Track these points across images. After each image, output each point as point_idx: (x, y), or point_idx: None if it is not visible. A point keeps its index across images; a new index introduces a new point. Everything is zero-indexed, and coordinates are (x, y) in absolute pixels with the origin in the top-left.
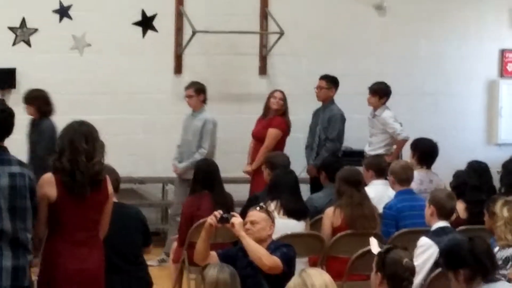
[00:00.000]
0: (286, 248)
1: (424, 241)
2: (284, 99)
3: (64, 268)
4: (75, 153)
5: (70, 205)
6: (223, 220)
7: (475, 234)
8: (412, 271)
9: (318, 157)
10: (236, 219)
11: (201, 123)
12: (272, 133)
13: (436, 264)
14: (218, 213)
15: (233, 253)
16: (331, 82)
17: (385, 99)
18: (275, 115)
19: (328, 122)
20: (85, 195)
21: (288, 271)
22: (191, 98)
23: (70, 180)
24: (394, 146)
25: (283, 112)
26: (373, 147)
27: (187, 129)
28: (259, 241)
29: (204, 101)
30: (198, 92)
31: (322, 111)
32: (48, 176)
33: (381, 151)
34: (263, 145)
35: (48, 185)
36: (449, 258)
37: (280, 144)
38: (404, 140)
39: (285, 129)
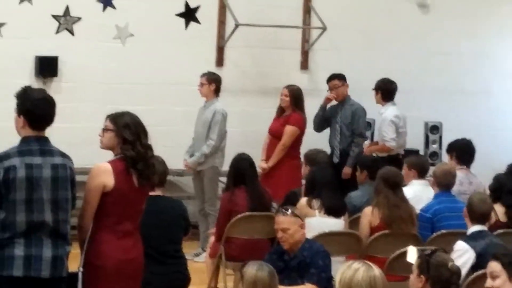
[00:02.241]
0: (321, 259)
1: (460, 245)
2: (290, 95)
3: (115, 258)
4: (146, 139)
5: (125, 195)
6: None
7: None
8: (458, 274)
9: (350, 157)
10: None
11: (211, 114)
12: (290, 130)
13: (472, 269)
14: None
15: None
16: (342, 79)
17: (380, 94)
18: (291, 111)
19: (352, 117)
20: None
21: (327, 283)
22: (203, 87)
23: (145, 167)
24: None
25: (295, 108)
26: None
27: (199, 120)
28: (294, 243)
29: (216, 92)
30: (210, 81)
31: (341, 108)
32: (105, 165)
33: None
34: (280, 142)
35: (105, 174)
36: None
37: (297, 141)
38: (388, 148)
39: (302, 126)
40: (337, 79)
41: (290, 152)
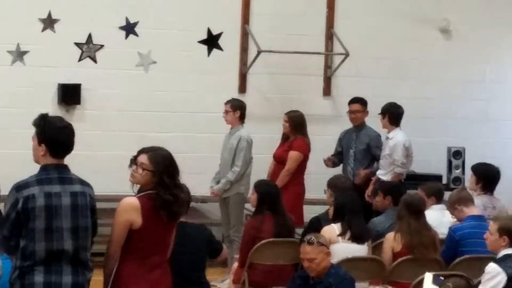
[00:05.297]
0: (347, 287)
1: (492, 267)
2: (288, 120)
3: None
4: (179, 178)
5: (153, 232)
6: None
7: None
8: None
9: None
10: None
11: (236, 141)
12: (293, 155)
13: None
14: None
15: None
16: (364, 104)
17: (388, 119)
18: (294, 137)
19: (369, 143)
20: (176, 221)
21: None
22: (227, 114)
23: (177, 208)
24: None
25: (297, 133)
26: (383, 171)
27: (225, 147)
28: (321, 270)
29: (240, 119)
30: (234, 108)
31: (357, 134)
32: (133, 202)
33: (390, 176)
34: (285, 167)
35: (133, 211)
36: None
37: (301, 166)
38: (399, 174)
39: (306, 151)
40: (359, 103)
41: (294, 178)
